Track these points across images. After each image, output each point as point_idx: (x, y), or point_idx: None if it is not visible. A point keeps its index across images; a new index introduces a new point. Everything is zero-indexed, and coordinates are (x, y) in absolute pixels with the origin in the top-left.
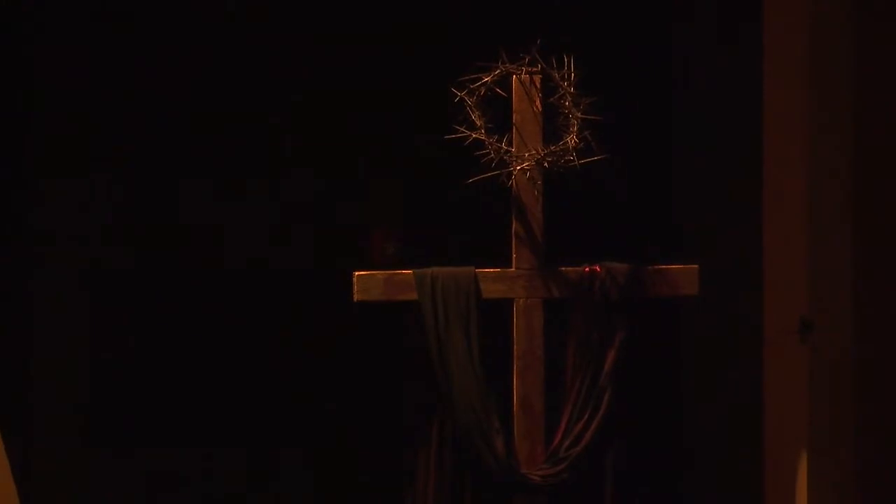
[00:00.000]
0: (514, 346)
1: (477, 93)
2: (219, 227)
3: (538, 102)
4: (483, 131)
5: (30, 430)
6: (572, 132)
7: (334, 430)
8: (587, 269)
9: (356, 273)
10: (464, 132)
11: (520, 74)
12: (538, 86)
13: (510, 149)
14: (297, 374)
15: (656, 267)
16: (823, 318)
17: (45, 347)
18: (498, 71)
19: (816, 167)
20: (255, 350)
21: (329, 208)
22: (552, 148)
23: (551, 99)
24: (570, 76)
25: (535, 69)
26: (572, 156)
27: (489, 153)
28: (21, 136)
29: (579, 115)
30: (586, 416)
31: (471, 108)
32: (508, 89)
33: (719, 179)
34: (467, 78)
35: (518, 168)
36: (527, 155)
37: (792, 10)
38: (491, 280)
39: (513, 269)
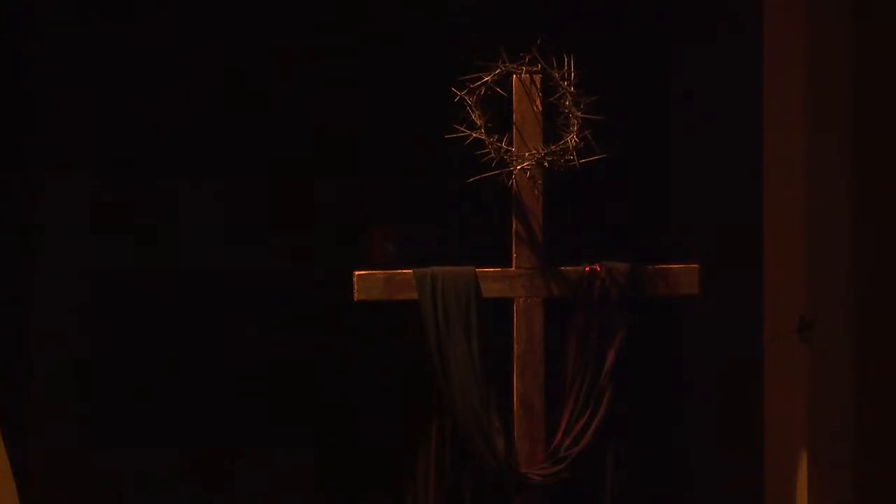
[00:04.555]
0: (514, 346)
1: (477, 92)
2: (218, 226)
3: (538, 102)
4: (483, 131)
5: (30, 430)
6: (572, 132)
7: (334, 430)
8: (587, 268)
9: (356, 273)
10: (464, 132)
11: (520, 74)
12: (538, 85)
13: (510, 148)
14: (297, 374)
15: (656, 267)
16: (823, 318)
17: (45, 347)
18: (498, 70)
19: (816, 167)
20: (255, 350)
21: (329, 208)
22: (552, 147)
23: (551, 98)
24: (570, 76)
25: (535, 69)
26: (572, 155)
27: (489, 153)
28: (21, 136)
29: (579, 114)
30: (586, 416)
31: (471, 108)
32: (508, 89)
33: (719, 179)
34: (467, 78)
35: (518, 168)
36: (527, 154)
37: (792, 9)
38: (491, 279)
39: (513, 269)
